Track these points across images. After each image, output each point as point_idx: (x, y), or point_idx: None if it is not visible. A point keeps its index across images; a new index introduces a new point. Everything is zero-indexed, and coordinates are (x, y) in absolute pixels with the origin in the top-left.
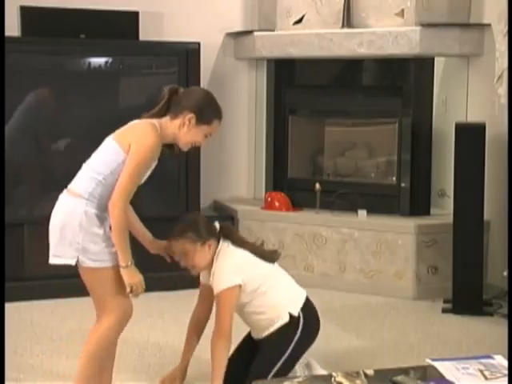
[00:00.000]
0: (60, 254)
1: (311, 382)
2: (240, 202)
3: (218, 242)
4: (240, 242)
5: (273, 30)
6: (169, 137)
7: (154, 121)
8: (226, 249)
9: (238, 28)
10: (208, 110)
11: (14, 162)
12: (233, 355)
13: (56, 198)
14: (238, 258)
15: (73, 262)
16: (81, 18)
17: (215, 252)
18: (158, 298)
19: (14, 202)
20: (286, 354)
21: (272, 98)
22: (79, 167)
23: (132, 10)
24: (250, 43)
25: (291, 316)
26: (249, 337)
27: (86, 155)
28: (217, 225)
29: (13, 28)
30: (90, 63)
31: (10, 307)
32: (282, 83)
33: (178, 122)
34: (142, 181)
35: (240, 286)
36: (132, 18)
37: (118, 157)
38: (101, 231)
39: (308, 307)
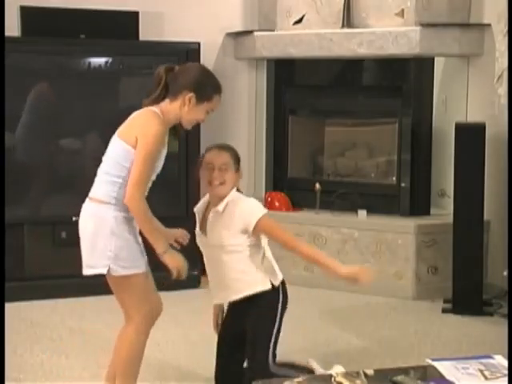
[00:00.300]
0: (92, 264)
1: (311, 381)
2: None
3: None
4: None
5: (273, 30)
6: (172, 120)
7: (155, 108)
8: (236, 192)
9: (238, 28)
10: (207, 87)
11: (14, 162)
12: (222, 362)
13: (56, 198)
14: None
15: (105, 271)
16: (81, 18)
17: (234, 186)
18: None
19: (14, 201)
20: (276, 324)
21: (272, 98)
22: (79, 167)
23: (132, 10)
24: (250, 43)
25: (272, 286)
26: (222, 340)
27: (86, 155)
28: None
29: (13, 28)
30: (90, 63)
31: (10, 307)
32: (281, 83)
33: (178, 103)
34: (158, 170)
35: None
36: (132, 17)
37: (129, 154)
38: (131, 236)
39: (284, 286)
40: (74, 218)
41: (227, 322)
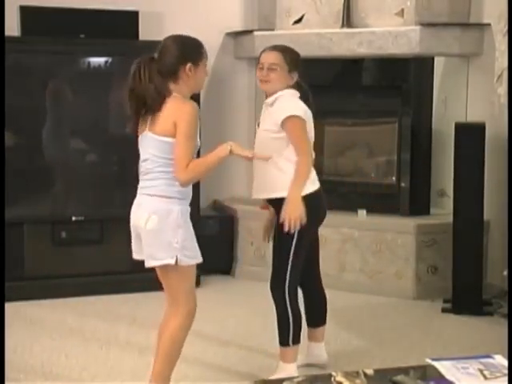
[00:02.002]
0: (159, 256)
1: (311, 381)
2: (240, 201)
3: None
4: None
5: (272, 30)
6: (189, 95)
7: (175, 94)
8: (297, 96)
9: (238, 28)
10: (193, 50)
11: (14, 162)
12: None
13: (55, 198)
14: (308, 112)
15: (172, 262)
16: (81, 17)
17: (289, 86)
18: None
19: (14, 201)
20: (295, 238)
21: None
22: (79, 166)
23: (132, 9)
24: (249, 43)
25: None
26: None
27: (86, 154)
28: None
29: (13, 28)
30: (89, 63)
31: (9, 307)
32: None
33: (182, 79)
34: (197, 147)
35: (304, 120)
36: (132, 17)
37: (170, 145)
38: (191, 228)
39: (318, 193)
40: (73, 218)
41: None
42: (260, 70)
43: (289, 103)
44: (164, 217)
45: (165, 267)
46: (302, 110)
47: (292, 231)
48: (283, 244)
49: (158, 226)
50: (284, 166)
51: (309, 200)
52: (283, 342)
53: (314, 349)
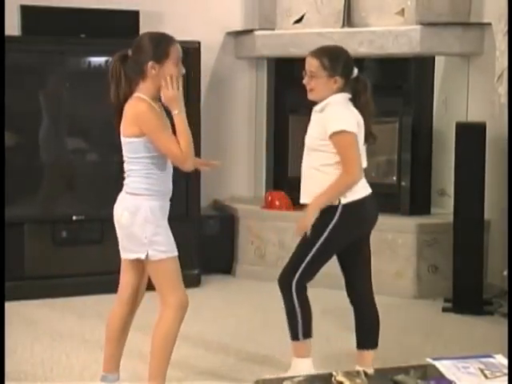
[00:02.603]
0: (131, 250)
1: (311, 381)
2: (240, 201)
3: (346, 83)
4: (361, 107)
5: (273, 30)
6: (156, 93)
7: (136, 94)
8: (347, 101)
9: (239, 27)
10: (158, 48)
11: (14, 161)
12: None
13: (56, 197)
14: (358, 118)
15: (143, 256)
16: (81, 17)
17: (336, 91)
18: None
19: (15, 201)
20: (322, 239)
21: (272, 98)
22: (79, 166)
23: (132, 9)
24: (250, 42)
25: (339, 202)
26: None
27: (86, 154)
28: (355, 71)
29: (13, 27)
30: (90, 62)
31: (10, 306)
32: (282, 82)
33: (150, 78)
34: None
35: (353, 134)
36: (132, 17)
37: (139, 145)
38: (164, 222)
39: (360, 203)
40: (74, 218)
41: None
42: (305, 76)
43: (338, 114)
44: (133, 213)
45: (142, 262)
46: (352, 121)
47: (297, 236)
48: (308, 241)
49: (130, 222)
50: (329, 171)
51: (345, 209)
52: (294, 336)
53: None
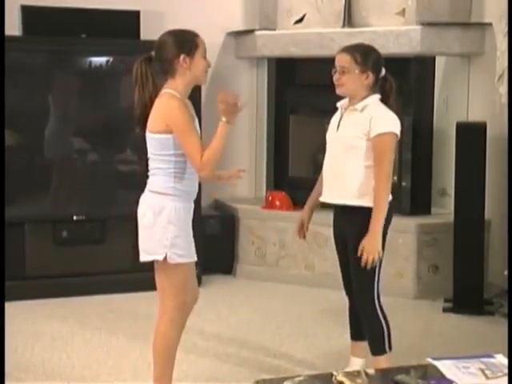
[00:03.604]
0: (150, 251)
1: (312, 381)
2: (241, 201)
3: (376, 81)
4: (390, 107)
5: (274, 30)
6: (187, 89)
7: (166, 90)
8: (380, 102)
9: (239, 27)
10: (186, 41)
11: (14, 161)
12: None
13: (56, 197)
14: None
15: (161, 258)
16: (82, 17)
17: (368, 88)
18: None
19: (15, 200)
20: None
21: (273, 97)
22: (79, 166)
23: (133, 9)
24: (250, 42)
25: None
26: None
27: (88, 154)
28: (383, 71)
29: (14, 27)
30: (90, 62)
31: (10, 306)
32: (282, 82)
33: (179, 72)
34: (198, 129)
35: (397, 137)
36: (133, 17)
37: (167, 142)
38: (187, 225)
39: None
40: (74, 217)
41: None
42: (334, 73)
43: (387, 115)
44: (157, 213)
45: (157, 263)
46: (398, 123)
47: (368, 267)
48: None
49: (152, 222)
50: (362, 172)
51: (388, 209)
52: (379, 350)
53: (353, 365)
